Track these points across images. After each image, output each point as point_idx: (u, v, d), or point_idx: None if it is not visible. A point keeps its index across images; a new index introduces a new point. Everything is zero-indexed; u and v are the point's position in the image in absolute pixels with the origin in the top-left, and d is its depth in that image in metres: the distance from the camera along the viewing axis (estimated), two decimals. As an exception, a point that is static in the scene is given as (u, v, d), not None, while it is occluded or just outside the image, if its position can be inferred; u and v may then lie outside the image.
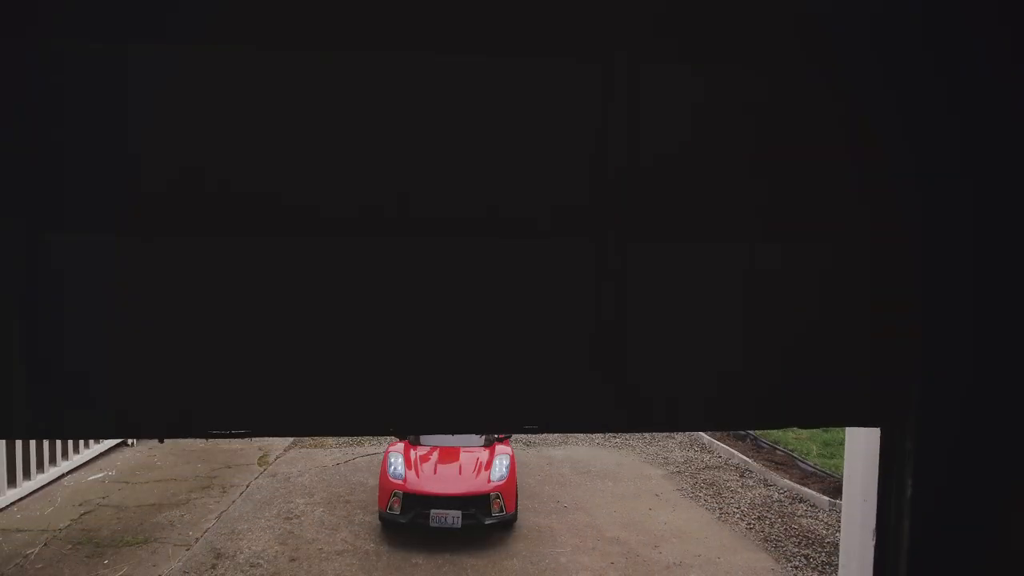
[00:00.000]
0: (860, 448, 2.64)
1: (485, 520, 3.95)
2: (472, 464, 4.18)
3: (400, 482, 4.00)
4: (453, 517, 3.89)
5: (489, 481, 4.05)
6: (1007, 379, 0.88)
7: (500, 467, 4.16)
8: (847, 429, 2.80)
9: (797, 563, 3.94)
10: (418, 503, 3.91)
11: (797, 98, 0.82)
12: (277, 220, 0.75)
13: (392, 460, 4.15)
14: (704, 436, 6.81)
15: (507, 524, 4.12)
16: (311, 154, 0.75)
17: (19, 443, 4.59)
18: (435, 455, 4.27)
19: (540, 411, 0.79)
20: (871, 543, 2.62)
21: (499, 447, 4.38)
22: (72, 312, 0.73)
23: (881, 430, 1.00)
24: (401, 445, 4.30)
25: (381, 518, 4.07)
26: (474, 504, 3.94)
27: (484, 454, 4.28)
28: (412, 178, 0.76)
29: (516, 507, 4.17)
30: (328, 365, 0.75)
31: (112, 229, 0.74)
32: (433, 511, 3.88)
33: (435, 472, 4.13)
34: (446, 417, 0.78)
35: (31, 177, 0.73)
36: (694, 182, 0.80)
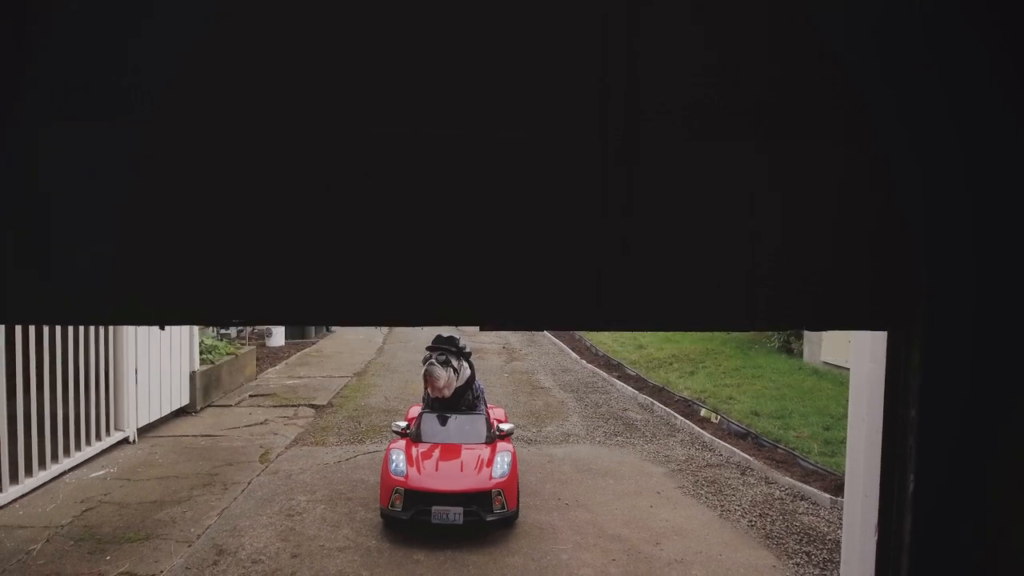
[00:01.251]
0: (862, 444, 2.65)
1: (487, 517, 3.93)
2: (474, 461, 4.16)
3: (402, 479, 4.00)
4: (455, 514, 3.88)
5: (491, 478, 4.04)
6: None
7: (502, 464, 4.14)
8: (849, 425, 2.81)
9: (799, 560, 3.94)
10: (420, 500, 3.92)
11: None
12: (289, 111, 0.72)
13: (393, 457, 4.14)
14: (705, 434, 6.82)
15: (508, 521, 4.11)
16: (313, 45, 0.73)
17: (21, 440, 4.60)
18: (437, 452, 4.25)
19: (532, 306, 0.78)
20: (873, 539, 2.62)
21: (500, 444, 4.36)
22: (68, 197, 0.71)
23: (887, 336, 0.98)
24: (403, 442, 4.30)
25: (383, 515, 4.05)
26: (476, 501, 3.93)
27: (485, 451, 4.26)
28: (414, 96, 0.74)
29: (517, 504, 4.16)
30: (327, 253, 0.74)
31: (109, 116, 0.71)
32: (435, 508, 3.87)
33: (437, 469, 4.12)
34: (444, 308, 0.77)
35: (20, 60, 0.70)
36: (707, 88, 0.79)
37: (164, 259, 0.73)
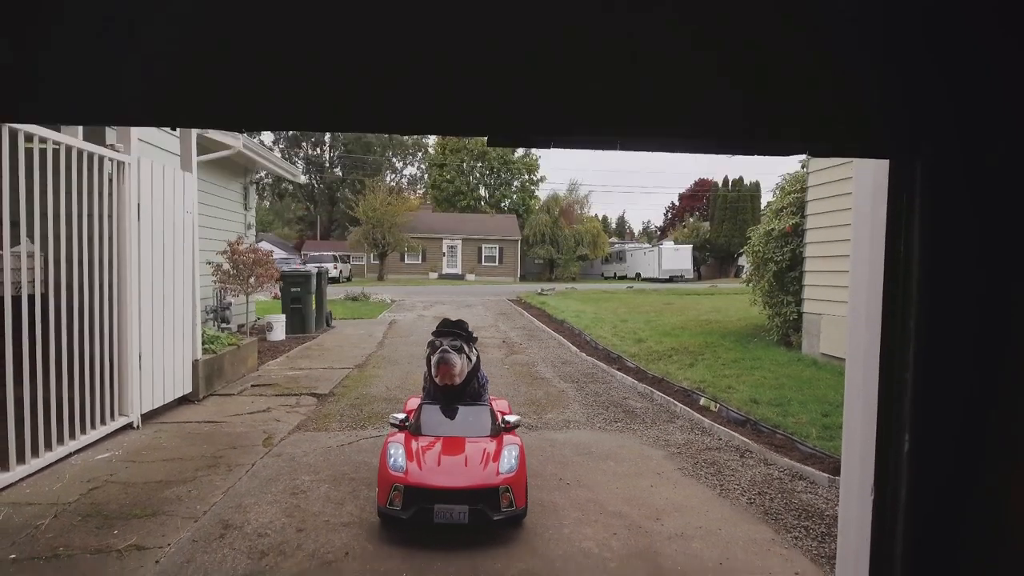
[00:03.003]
0: (858, 417, 2.70)
1: (494, 516, 3.70)
2: (479, 455, 3.90)
3: (401, 475, 3.74)
4: (460, 512, 3.65)
5: (498, 473, 3.78)
6: None
7: (509, 458, 3.88)
8: (845, 396, 2.86)
9: (797, 534, 3.99)
10: (421, 497, 3.68)
11: None
12: None
13: (392, 451, 3.87)
14: (704, 420, 6.87)
15: (517, 520, 3.90)
16: None
17: (28, 423, 4.64)
18: (438, 445, 3.99)
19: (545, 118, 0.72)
20: (869, 499, 2.67)
21: (507, 437, 4.11)
22: None
23: (890, 164, 0.96)
24: (401, 436, 4.00)
25: (380, 514, 3.77)
26: (482, 498, 3.70)
27: (491, 444, 4.00)
28: None
29: (526, 502, 3.93)
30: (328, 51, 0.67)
31: None
32: (437, 506, 3.65)
33: (439, 464, 3.85)
34: (459, 118, 0.71)
35: None
36: None
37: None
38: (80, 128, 5.33)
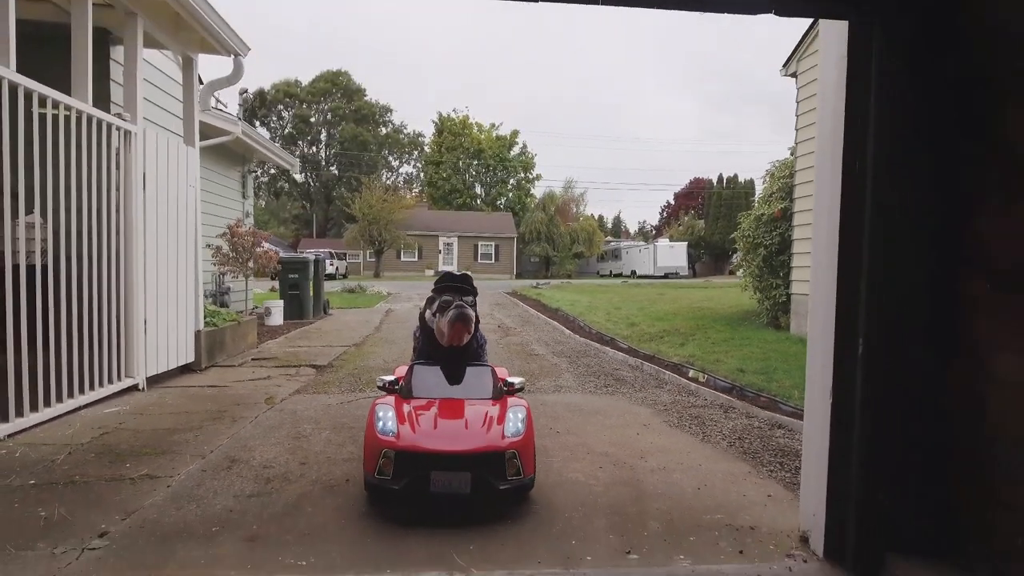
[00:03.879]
0: (819, 355, 2.93)
1: (499, 485, 3.21)
2: (480, 418, 3.40)
3: (391, 438, 3.23)
4: (461, 481, 3.14)
5: (503, 436, 3.28)
6: None
7: (515, 420, 3.40)
8: (808, 327, 3.09)
9: (772, 468, 4.22)
10: (415, 464, 3.16)
11: None
12: None
13: (380, 414, 3.38)
14: (692, 385, 7.10)
15: (524, 490, 3.40)
16: None
17: (40, 374, 4.84)
18: (434, 409, 3.47)
19: None
20: (828, 400, 2.90)
21: (511, 400, 3.64)
22: None
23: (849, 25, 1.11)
24: (390, 398, 3.57)
25: (367, 486, 3.34)
26: (486, 464, 3.20)
27: (494, 408, 3.51)
28: None
29: (535, 471, 3.47)
30: None
31: None
32: (435, 474, 3.13)
33: (435, 427, 3.32)
34: None
35: None
36: None
37: None
38: (89, 94, 5.53)
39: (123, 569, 2.68)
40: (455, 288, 3.98)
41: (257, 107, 59.33)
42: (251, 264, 11.78)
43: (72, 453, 4.21)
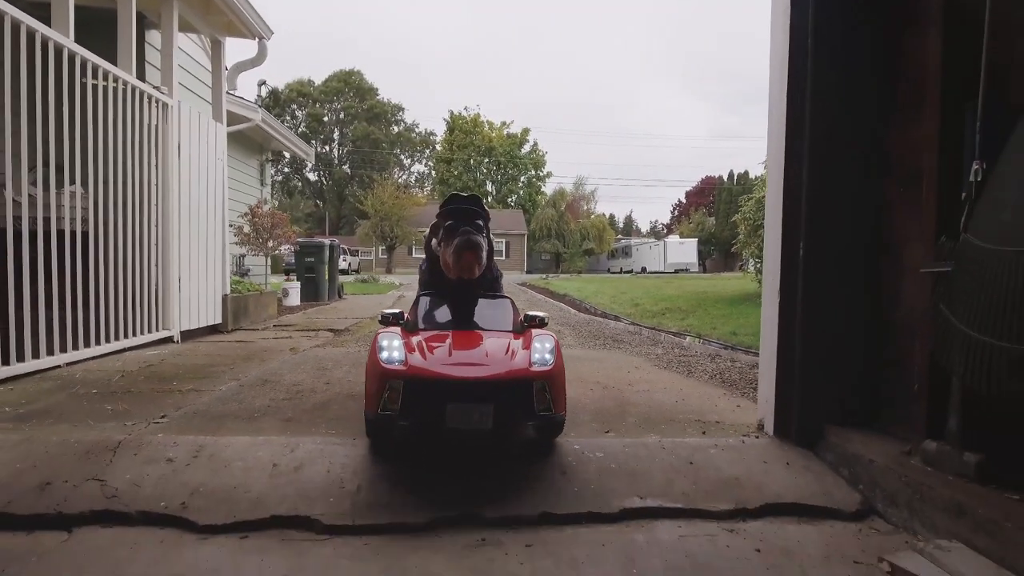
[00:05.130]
0: (771, 262, 3.42)
1: (528, 420, 2.80)
2: (503, 347, 2.85)
3: (399, 367, 2.68)
4: (481, 414, 2.58)
5: (531, 364, 2.74)
6: None
7: (543, 350, 2.84)
8: (765, 241, 3.57)
9: (745, 392, 4.70)
10: (427, 394, 2.61)
11: None
12: None
13: (384, 343, 2.82)
14: (685, 342, 7.58)
15: (554, 430, 2.98)
16: None
17: (92, 319, 5.41)
18: (448, 339, 2.92)
19: None
20: (776, 301, 3.40)
21: (536, 331, 3.07)
22: None
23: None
24: (395, 329, 3.02)
25: (369, 424, 2.91)
26: (510, 394, 2.66)
27: (517, 340, 2.95)
28: None
29: (566, 409, 2.95)
30: None
31: None
32: (451, 406, 2.57)
33: (450, 355, 2.77)
34: None
35: None
36: None
37: None
38: (133, 68, 6.10)
39: (185, 431, 3.23)
40: (463, 211, 3.32)
41: (271, 106, 60.30)
42: (271, 244, 12.39)
43: (124, 376, 4.78)
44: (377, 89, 65.55)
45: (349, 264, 41.57)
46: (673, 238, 54.89)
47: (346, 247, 45.52)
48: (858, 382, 3.13)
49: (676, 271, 46.75)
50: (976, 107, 2.24)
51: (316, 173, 64.59)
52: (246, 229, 11.99)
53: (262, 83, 36.85)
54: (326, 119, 64.25)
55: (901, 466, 2.60)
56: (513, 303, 3.42)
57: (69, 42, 5.11)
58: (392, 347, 2.79)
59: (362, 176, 59.70)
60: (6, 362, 4.43)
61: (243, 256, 12.68)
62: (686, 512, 2.60)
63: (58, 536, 2.29)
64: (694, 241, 52.23)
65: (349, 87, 64.38)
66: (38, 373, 4.70)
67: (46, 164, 4.94)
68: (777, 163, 3.30)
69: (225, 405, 3.86)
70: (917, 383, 2.65)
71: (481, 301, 3.35)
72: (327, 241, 16.30)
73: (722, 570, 2.16)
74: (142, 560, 2.13)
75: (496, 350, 2.83)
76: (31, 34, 4.63)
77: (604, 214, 63.22)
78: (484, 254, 3.25)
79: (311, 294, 14.62)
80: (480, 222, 3.34)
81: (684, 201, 73.05)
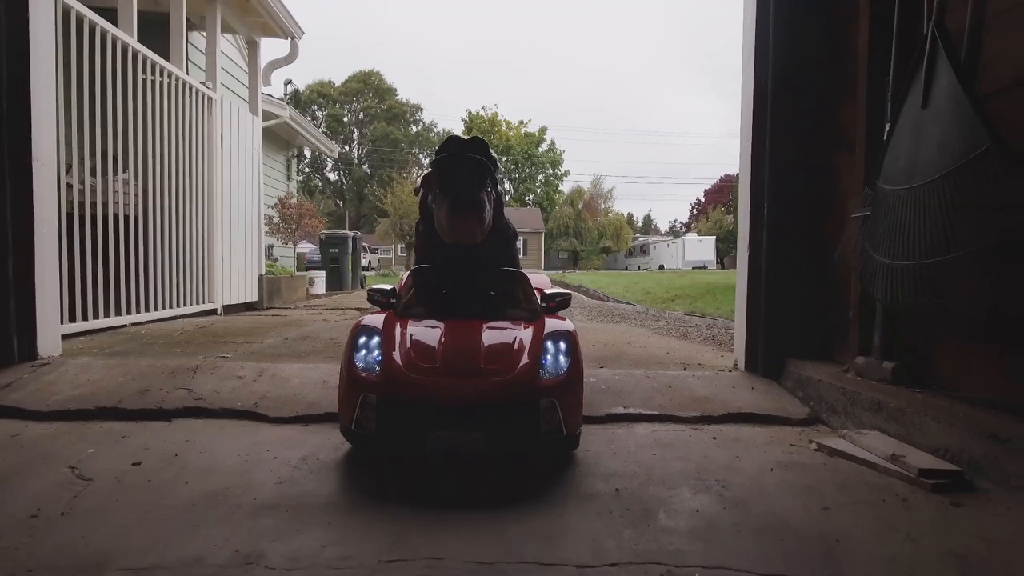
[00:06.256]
0: (745, 223, 3.96)
1: (529, 448, 2.21)
2: (505, 349, 2.26)
3: (372, 376, 2.17)
4: (472, 442, 2.05)
5: (536, 377, 2.19)
6: None
7: (556, 351, 2.31)
8: (738, 206, 4.12)
9: (732, 348, 5.24)
10: (405, 418, 2.10)
11: None
12: None
13: (361, 340, 2.31)
14: (686, 317, 8.10)
15: (561, 451, 2.38)
16: None
17: (150, 282, 6.10)
18: (439, 332, 2.32)
19: None
20: (746, 253, 3.95)
21: (551, 322, 2.54)
22: None
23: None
24: (380, 317, 2.48)
25: (347, 437, 2.35)
26: (507, 416, 2.11)
27: (526, 332, 2.35)
28: None
29: (580, 426, 2.34)
30: None
31: None
32: (433, 434, 2.06)
33: (438, 360, 2.18)
34: None
35: None
36: None
37: None
38: (184, 65, 6.79)
39: (246, 360, 3.87)
40: (464, 159, 2.61)
41: (292, 106, 61.46)
42: (299, 234, 13.10)
43: (183, 334, 5.45)
44: (396, 90, 66.59)
45: (369, 262, 42.44)
46: (691, 236, 55.08)
47: (366, 244, 46.48)
48: (814, 319, 3.67)
49: (694, 268, 47.02)
50: (889, 81, 2.78)
51: (336, 172, 65.80)
52: (275, 219, 12.71)
53: (288, 81, 37.85)
54: (346, 119, 65.39)
55: (839, 380, 3.15)
56: (526, 279, 2.86)
57: (133, 41, 5.80)
58: (369, 345, 2.28)
59: (381, 175, 60.68)
60: (84, 318, 5.12)
61: (272, 247, 13.40)
62: (660, 417, 3.17)
63: (161, 423, 2.92)
64: (712, 239, 52.38)
65: (368, 88, 65.45)
66: (110, 330, 5.40)
67: (104, 155, 5.62)
68: (747, 136, 3.85)
69: (276, 350, 4.51)
70: (852, 311, 3.20)
71: (487, 278, 2.71)
72: (350, 233, 17.03)
73: (679, 445, 2.74)
74: (231, 435, 2.76)
75: (497, 352, 2.25)
76: (103, 34, 5.31)
77: (622, 213, 63.59)
78: (488, 213, 2.61)
79: (335, 283, 15.35)
80: (483, 174, 2.63)
81: (703, 199, 73.13)
